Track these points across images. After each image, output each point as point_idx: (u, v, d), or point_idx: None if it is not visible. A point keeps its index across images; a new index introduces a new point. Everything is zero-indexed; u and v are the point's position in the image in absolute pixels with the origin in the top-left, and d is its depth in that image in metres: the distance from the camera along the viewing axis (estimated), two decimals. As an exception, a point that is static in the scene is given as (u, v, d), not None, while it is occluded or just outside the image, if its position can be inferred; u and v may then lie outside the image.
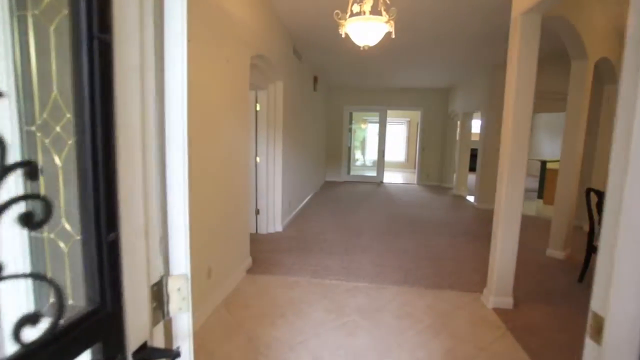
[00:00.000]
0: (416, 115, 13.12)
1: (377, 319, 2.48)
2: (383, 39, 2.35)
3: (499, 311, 2.64)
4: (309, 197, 6.81)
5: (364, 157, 13.13)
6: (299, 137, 5.60)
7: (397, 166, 13.53)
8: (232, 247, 2.95)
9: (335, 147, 9.64)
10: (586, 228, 5.14)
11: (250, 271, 3.25)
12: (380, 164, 9.66)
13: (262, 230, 4.46)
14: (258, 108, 4.23)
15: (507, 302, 2.68)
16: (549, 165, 7.33)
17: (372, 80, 8.15)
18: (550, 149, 11.90)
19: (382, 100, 9.33)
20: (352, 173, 10.05)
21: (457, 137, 8.19)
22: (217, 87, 2.49)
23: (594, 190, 3.04)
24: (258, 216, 4.44)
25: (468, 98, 7.54)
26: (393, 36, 2.19)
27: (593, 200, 3.10)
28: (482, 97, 6.68)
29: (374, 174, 9.80)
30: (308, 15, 3.91)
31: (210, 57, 2.36)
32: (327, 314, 2.54)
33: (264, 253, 3.73)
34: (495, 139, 6.32)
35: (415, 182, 9.78)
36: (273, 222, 4.54)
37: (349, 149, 9.92)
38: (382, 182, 9.71)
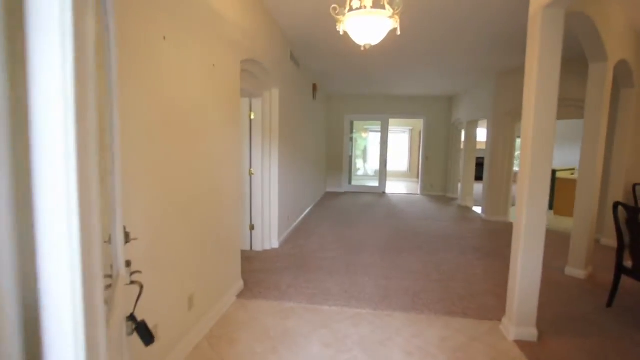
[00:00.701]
0: (418, 123, 12.90)
1: (383, 355, 2.16)
2: (386, 38, 2.09)
3: (521, 344, 2.32)
4: (308, 209, 6.51)
5: (365, 166, 12.86)
6: (298, 147, 5.33)
7: (399, 176, 13.24)
8: (221, 270, 2.65)
9: (336, 157, 9.37)
10: (605, 242, 4.84)
11: (241, 295, 2.94)
12: (382, 173, 9.37)
13: (257, 247, 4.15)
14: (252, 117, 3.97)
15: (531, 333, 2.36)
16: (559, 175, 7.03)
17: (373, 88, 7.92)
18: (557, 158, 11.61)
19: (383, 109, 9.09)
20: (353, 183, 9.76)
21: (462, 146, 7.91)
22: (202, 94, 2.23)
23: (622, 204, 2.73)
24: (253, 232, 4.14)
25: (473, 106, 7.29)
26: (399, 33, 1.93)
27: (621, 215, 2.79)
28: (487, 105, 6.43)
29: (376, 184, 9.51)
30: (305, 18, 3.67)
31: (193, 60, 2.10)
32: (325, 349, 2.22)
33: (258, 273, 3.42)
34: (502, 147, 6.05)
35: (418, 192, 9.47)
36: (269, 238, 4.23)
37: (350, 158, 9.65)
38: (384, 192, 9.41)
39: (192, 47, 2.07)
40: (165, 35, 1.77)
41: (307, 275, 3.40)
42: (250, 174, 4.04)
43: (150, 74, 1.68)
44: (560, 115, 5.62)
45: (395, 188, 10.45)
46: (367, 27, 1.87)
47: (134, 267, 1.12)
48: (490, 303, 2.89)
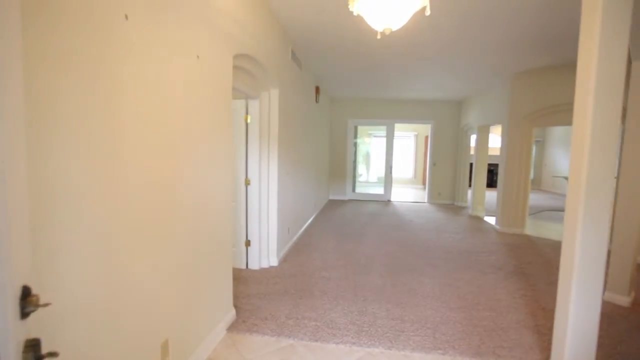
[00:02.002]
0: (424, 128, 12.49)
1: (405, 417, 1.73)
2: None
3: (574, 400, 1.88)
4: (311, 219, 6.09)
5: (368, 172, 12.42)
6: (299, 153, 4.93)
7: (404, 182, 12.81)
8: (207, 301, 2.22)
9: (339, 164, 8.97)
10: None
11: (232, 328, 2.51)
12: (387, 181, 8.95)
13: (254, 265, 3.73)
14: (249, 120, 3.57)
15: (585, 386, 1.92)
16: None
17: (379, 91, 7.53)
18: (566, 165, 11.16)
19: (389, 113, 8.70)
20: (357, 190, 9.34)
21: (473, 152, 7.49)
22: (181, 91, 1.82)
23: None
24: (249, 248, 3.72)
25: (485, 110, 6.88)
26: (428, 12, 1.53)
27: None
28: (501, 109, 6.01)
29: (381, 191, 9.08)
30: (307, 11, 3.29)
31: (169, 48, 1.70)
32: (333, 406, 1.79)
33: (253, 299, 2.99)
34: (519, 154, 5.62)
35: (425, 200, 9.04)
36: (267, 255, 3.81)
37: (354, 165, 9.24)
38: (389, 200, 8.98)
39: (166, 31, 1.67)
40: (128, 14, 1.37)
41: (310, 301, 2.97)
42: (247, 183, 3.63)
43: (100, 65, 1.28)
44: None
45: (401, 196, 10.02)
46: (388, 6, 1.47)
47: (66, 327, 0.71)
48: (526, 340, 2.45)
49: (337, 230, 5.64)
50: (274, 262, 3.85)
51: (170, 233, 1.77)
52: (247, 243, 3.70)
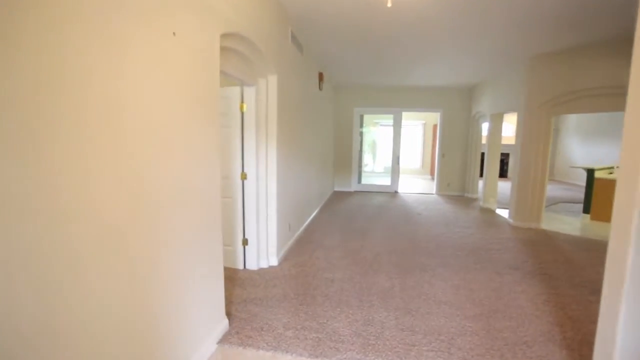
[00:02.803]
0: (432, 116, 12.07)
1: None
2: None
3: None
4: (314, 213, 5.83)
5: (374, 162, 12.08)
6: (301, 144, 4.63)
7: (411, 172, 12.47)
8: (193, 311, 1.98)
9: (344, 154, 8.65)
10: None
11: (224, 340, 2.27)
12: (395, 171, 8.63)
13: (252, 265, 3.48)
14: (244, 109, 3.28)
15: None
16: (598, 174, 6.20)
17: (386, 78, 7.15)
18: (580, 155, 10.74)
19: (396, 101, 8.32)
20: (363, 182, 9.04)
21: (484, 142, 7.11)
22: (150, 74, 1.53)
23: None
24: (246, 247, 3.47)
25: (498, 97, 6.47)
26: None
27: None
28: (517, 96, 5.62)
29: (388, 182, 8.77)
30: (307, -15, 2.95)
31: (137, 21, 1.40)
32: None
33: (249, 304, 2.75)
34: (536, 143, 5.26)
35: (434, 191, 8.71)
36: (265, 254, 3.56)
37: (360, 155, 8.92)
38: (396, 191, 8.68)
39: (137, 2, 1.37)
40: (69, -28, 1.08)
41: (311, 308, 2.72)
42: (243, 178, 3.35)
43: (39, 37, 0.99)
44: (611, 106, 4.82)
45: (409, 187, 9.70)
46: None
47: None
48: (554, 357, 2.17)
49: (342, 224, 5.37)
50: (273, 261, 3.60)
51: (155, 236, 1.51)
52: (245, 242, 3.45)
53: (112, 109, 1.31)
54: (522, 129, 5.34)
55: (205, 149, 2.04)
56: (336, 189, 8.79)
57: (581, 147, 10.77)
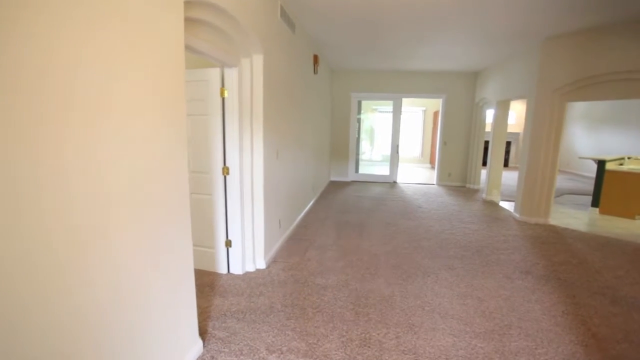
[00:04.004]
0: (433, 103, 11.62)
1: None
2: None
3: None
4: (309, 206, 5.47)
5: (372, 150, 11.66)
6: (294, 132, 4.23)
7: (411, 161, 12.10)
8: (153, 339, 1.63)
9: (341, 142, 8.25)
10: None
11: (197, 367, 1.93)
12: (394, 160, 8.25)
13: (236, 268, 3.14)
14: (226, 94, 2.86)
15: None
16: (608, 166, 5.85)
17: (385, 61, 6.68)
18: (585, 144, 10.36)
19: (397, 87, 7.87)
20: (360, 171, 8.66)
21: (491, 130, 6.72)
22: (81, 50, 1.13)
23: None
24: (230, 249, 3.12)
25: (506, 82, 6.05)
26: None
27: None
28: (527, 81, 5.21)
29: (386, 172, 8.40)
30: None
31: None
32: None
33: (229, 319, 2.41)
34: (547, 133, 4.89)
35: (434, 182, 8.36)
36: (252, 256, 3.21)
37: (358, 142, 8.51)
38: (395, 182, 8.33)
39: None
40: None
41: (300, 323, 2.39)
42: (225, 173, 2.97)
43: None
44: (627, 93, 4.42)
45: (408, 176, 9.34)
46: None
47: None
48: (582, 389, 1.86)
49: (338, 219, 5.03)
50: (260, 264, 3.26)
51: (70, 242, 1.14)
52: (228, 243, 3.09)
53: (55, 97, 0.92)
54: (533, 116, 4.95)
55: (168, 142, 1.65)
56: (332, 178, 8.42)
57: (587, 136, 10.39)
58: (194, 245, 3.12)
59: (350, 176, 8.42)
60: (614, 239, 4.42)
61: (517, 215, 5.29)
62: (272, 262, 3.40)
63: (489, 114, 7.51)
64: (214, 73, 2.82)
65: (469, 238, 4.31)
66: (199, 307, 2.50)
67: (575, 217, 5.51)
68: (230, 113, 2.88)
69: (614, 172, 5.71)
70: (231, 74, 2.84)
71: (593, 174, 9.93)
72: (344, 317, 2.47)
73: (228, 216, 3.05)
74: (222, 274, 3.10)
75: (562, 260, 3.66)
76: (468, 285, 3.02)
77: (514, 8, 3.62)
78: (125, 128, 1.38)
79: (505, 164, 11.10)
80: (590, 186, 8.37)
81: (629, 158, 6.61)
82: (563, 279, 3.20)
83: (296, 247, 3.85)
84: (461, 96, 7.80)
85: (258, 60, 2.96)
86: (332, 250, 3.79)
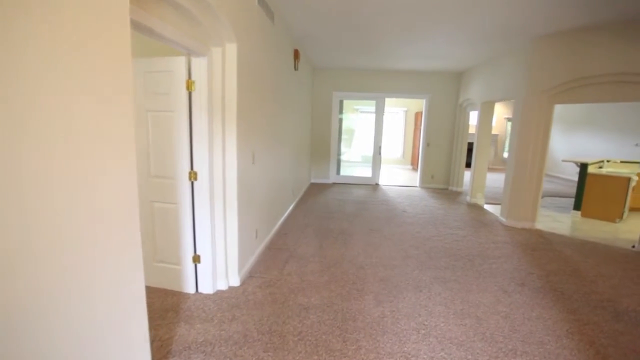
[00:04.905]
0: (415, 104, 11.52)
1: None
2: None
3: None
4: (288, 212, 5.12)
5: (350, 149, 11.35)
6: (272, 132, 3.87)
7: (392, 162, 11.95)
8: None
9: (322, 143, 7.94)
10: None
11: (150, 422, 1.55)
12: (376, 162, 8.02)
13: (206, 287, 2.75)
14: (193, 88, 2.47)
15: None
16: (591, 169, 5.83)
17: (368, 60, 6.42)
18: (562, 147, 10.51)
19: (380, 86, 7.63)
20: (342, 173, 8.38)
21: (475, 131, 6.59)
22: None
23: None
24: (198, 266, 2.72)
25: (492, 83, 5.92)
26: None
27: None
28: (514, 82, 5.08)
29: (368, 174, 8.16)
30: None
31: None
32: None
33: (194, 354, 2.03)
34: (535, 135, 4.76)
35: (417, 184, 8.19)
36: (225, 272, 2.83)
37: (339, 144, 8.22)
38: (378, 184, 8.10)
39: None
40: None
41: (279, 355, 2.04)
42: (192, 178, 2.58)
43: None
44: (629, 96, 4.28)
45: (390, 178, 9.15)
46: None
47: None
48: None
49: (320, 225, 4.70)
50: (234, 281, 2.88)
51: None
52: (196, 258, 2.70)
53: None
54: (520, 118, 4.81)
55: (119, 146, 1.27)
56: (313, 180, 8.09)
57: (563, 138, 10.56)
58: (156, 262, 2.72)
59: (332, 178, 8.12)
60: (601, 245, 4.33)
61: (503, 219, 5.15)
62: (248, 278, 3.03)
63: (473, 116, 7.40)
64: (179, 62, 2.43)
65: (458, 245, 4.09)
66: (158, 339, 2.11)
67: (559, 221, 5.44)
68: (199, 109, 2.50)
69: (595, 176, 5.69)
70: (199, 64, 2.45)
71: (571, 176, 10.14)
72: (330, 346, 2.14)
73: (196, 227, 2.66)
74: (189, 294, 2.70)
75: (555, 269, 3.49)
76: (464, 301, 2.77)
77: (502, 5, 3.41)
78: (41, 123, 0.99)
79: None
80: (568, 188, 8.46)
81: (607, 161, 6.65)
82: (560, 291, 3.01)
83: (275, 258, 3.50)
84: (445, 97, 7.66)
85: (231, 49, 2.58)
86: (314, 261, 3.46)
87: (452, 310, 2.63)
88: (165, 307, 2.50)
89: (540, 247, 4.16)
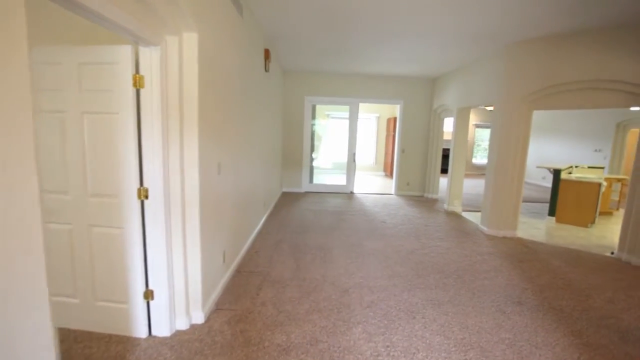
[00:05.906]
0: (387, 109, 11.43)
1: None
2: None
3: None
4: (259, 226, 4.65)
5: (318, 156, 10.99)
6: (239, 139, 3.42)
7: (364, 169, 11.75)
8: None
9: (294, 150, 7.54)
10: None
11: None
12: (350, 169, 7.74)
13: (162, 329, 2.24)
14: (142, 84, 2.00)
15: None
16: (564, 176, 5.86)
17: (342, 63, 6.14)
18: (534, 152, 10.74)
19: (353, 91, 7.38)
20: (315, 181, 8.00)
21: (451, 138, 6.47)
22: None
23: None
24: (151, 303, 2.22)
25: (468, 89, 5.82)
26: None
27: None
28: (491, 88, 4.98)
29: (342, 182, 7.85)
30: None
31: None
32: None
33: None
34: (514, 142, 4.65)
35: (392, 191, 7.98)
36: (184, 307, 2.34)
37: (311, 151, 7.85)
38: (352, 192, 7.80)
39: None
40: None
41: (253, 423, 1.60)
42: (142, 196, 2.09)
43: None
44: (604, 102, 4.24)
45: (364, 186, 8.90)
46: None
47: None
48: None
49: (295, 241, 4.28)
50: (197, 318, 2.39)
51: None
52: (148, 294, 2.19)
53: None
54: (500, 124, 4.69)
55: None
56: (285, 189, 7.66)
57: (533, 144, 10.81)
58: (97, 300, 2.19)
59: (305, 187, 7.72)
60: (583, 252, 4.25)
61: (485, 228, 4.99)
62: (214, 312, 2.55)
63: (447, 122, 7.32)
64: (124, 52, 1.95)
65: (444, 259, 3.83)
66: (92, 411, 1.60)
67: (536, 228, 5.38)
68: (150, 111, 2.02)
69: (568, 182, 5.72)
70: (150, 56, 1.99)
71: (537, 181, 10.41)
72: (317, 403, 1.73)
73: (148, 256, 2.16)
74: (139, 340, 2.18)
75: (547, 283, 3.30)
76: (463, 328, 2.46)
77: (475, 10, 3.23)
78: None
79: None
80: (539, 194, 8.62)
81: (576, 167, 6.77)
82: (558, 309, 2.80)
83: (246, 284, 3.03)
84: (419, 102, 7.54)
85: (191, 39, 2.14)
86: (291, 286, 3.03)
87: (452, 340, 2.31)
88: (107, 359, 1.98)
89: (527, 257, 3.99)
